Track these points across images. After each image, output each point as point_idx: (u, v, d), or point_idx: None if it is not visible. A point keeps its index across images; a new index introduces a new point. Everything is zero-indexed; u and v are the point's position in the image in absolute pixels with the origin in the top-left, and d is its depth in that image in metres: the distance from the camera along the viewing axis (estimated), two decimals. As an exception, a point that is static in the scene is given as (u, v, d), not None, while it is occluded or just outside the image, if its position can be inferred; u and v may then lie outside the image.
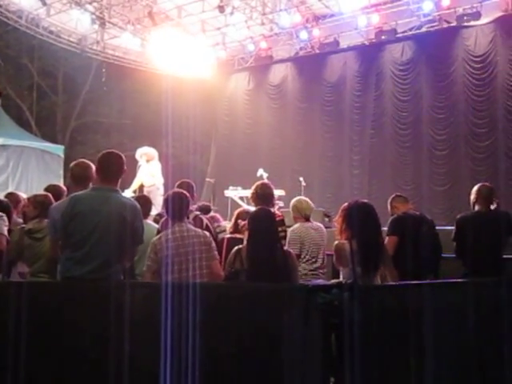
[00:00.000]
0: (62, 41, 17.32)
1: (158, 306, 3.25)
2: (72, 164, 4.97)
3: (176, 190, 5.41)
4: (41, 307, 3.54)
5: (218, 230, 6.30)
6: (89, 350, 3.43)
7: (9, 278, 4.93)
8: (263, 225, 4.66)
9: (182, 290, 3.33)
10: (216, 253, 4.97)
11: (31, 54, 20.53)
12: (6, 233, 4.71)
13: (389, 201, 6.40)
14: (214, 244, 5.03)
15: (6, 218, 4.80)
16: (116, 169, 4.48)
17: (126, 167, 4.55)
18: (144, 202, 6.33)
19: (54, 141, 19.52)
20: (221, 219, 7.29)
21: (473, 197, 5.90)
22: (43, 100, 22.27)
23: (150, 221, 6.25)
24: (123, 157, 4.58)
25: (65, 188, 6.25)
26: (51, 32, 16.89)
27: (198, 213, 6.07)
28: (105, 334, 3.34)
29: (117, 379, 3.22)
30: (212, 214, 7.36)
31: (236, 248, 4.72)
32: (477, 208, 5.85)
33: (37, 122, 21.42)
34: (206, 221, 5.94)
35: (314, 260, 5.87)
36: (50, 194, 5.52)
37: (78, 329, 3.48)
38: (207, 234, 5.07)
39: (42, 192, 5.78)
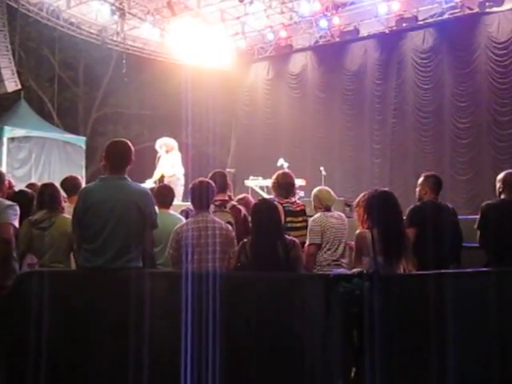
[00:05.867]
0: (82, 32, 17.38)
1: (178, 295, 3.25)
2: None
3: (201, 179, 5.34)
4: (60, 296, 3.57)
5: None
6: (108, 337, 3.45)
7: (20, 269, 4.89)
8: (264, 217, 4.64)
9: (202, 279, 3.33)
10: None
11: (52, 45, 20.55)
12: (14, 222, 4.58)
13: (424, 175, 6.04)
14: (235, 241, 4.93)
15: (17, 207, 4.66)
16: (123, 158, 4.40)
17: (133, 156, 4.43)
18: (167, 191, 6.30)
19: (75, 132, 19.65)
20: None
21: (498, 185, 5.76)
22: (64, 91, 22.32)
23: (172, 211, 6.20)
24: (130, 145, 4.48)
25: (80, 180, 6.31)
26: (72, 24, 16.96)
27: (235, 203, 5.95)
28: (124, 322, 3.36)
29: (136, 368, 3.24)
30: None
31: (242, 241, 4.70)
32: (503, 197, 5.74)
33: (58, 114, 21.49)
34: (244, 211, 5.82)
35: (335, 249, 5.85)
36: (53, 185, 5.56)
37: (98, 317, 3.50)
38: (230, 228, 5.01)
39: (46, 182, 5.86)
